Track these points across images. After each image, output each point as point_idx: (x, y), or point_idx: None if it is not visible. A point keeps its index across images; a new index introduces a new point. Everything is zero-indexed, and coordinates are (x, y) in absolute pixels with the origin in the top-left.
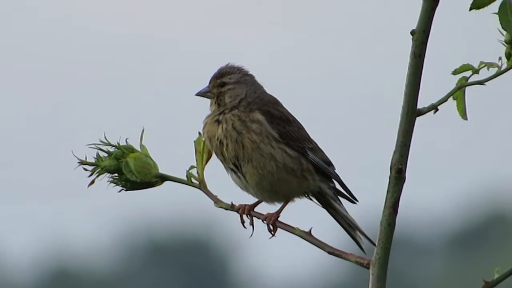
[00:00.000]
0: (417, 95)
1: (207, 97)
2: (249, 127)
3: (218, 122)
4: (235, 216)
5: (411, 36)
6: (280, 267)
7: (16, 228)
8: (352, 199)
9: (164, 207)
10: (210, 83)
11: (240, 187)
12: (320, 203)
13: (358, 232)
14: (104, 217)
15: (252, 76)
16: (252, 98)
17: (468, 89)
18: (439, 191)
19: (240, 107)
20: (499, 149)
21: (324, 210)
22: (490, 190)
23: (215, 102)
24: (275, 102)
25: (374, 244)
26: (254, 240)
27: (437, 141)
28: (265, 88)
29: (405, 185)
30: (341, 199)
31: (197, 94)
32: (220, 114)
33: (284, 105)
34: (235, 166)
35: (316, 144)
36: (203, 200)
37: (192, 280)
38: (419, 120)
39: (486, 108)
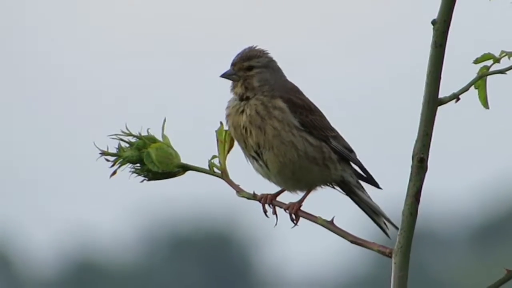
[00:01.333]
0: (439, 84)
1: (233, 80)
2: (271, 113)
3: (243, 112)
4: (258, 209)
5: (432, 26)
6: (303, 259)
7: (40, 222)
8: (376, 185)
9: (187, 200)
10: (234, 65)
11: (262, 175)
12: (344, 191)
13: (382, 218)
14: (127, 210)
15: (276, 62)
16: (277, 84)
17: (489, 78)
18: (462, 184)
19: (264, 92)
20: None
21: (347, 199)
22: None
23: (241, 85)
24: (297, 91)
25: (398, 229)
26: (277, 232)
27: (461, 132)
28: (285, 74)
29: (428, 177)
30: (365, 185)
31: (222, 76)
32: (244, 104)
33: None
34: (256, 154)
35: (338, 132)
36: (226, 193)
37: (214, 273)
38: (441, 109)
39: (508, 97)
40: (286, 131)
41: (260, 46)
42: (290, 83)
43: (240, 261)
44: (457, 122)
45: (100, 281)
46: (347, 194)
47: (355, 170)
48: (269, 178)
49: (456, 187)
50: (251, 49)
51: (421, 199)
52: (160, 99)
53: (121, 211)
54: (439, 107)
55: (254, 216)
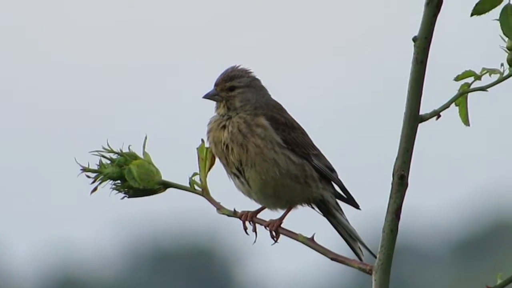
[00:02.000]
0: (419, 101)
1: (215, 100)
2: (254, 131)
3: (224, 127)
4: (239, 223)
5: (413, 43)
6: (284, 274)
7: (21, 236)
8: (355, 205)
9: (169, 215)
10: (217, 85)
11: (243, 193)
12: (322, 212)
13: (358, 243)
14: (109, 226)
15: (259, 80)
16: (260, 103)
17: (470, 96)
18: (444, 199)
19: (247, 110)
20: (503, 156)
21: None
22: (494, 198)
23: (223, 106)
24: (280, 108)
25: (375, 256)
26: (258, 247)
27: (442, 148)
28: (269, 91)
29: (409, 192)
30: (344, 205)
31: (205, 97)
32: (226, 119)
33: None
34: (238, 171)
35: (320, 151)
36: (207, 208)
37: (197, 287)
38: (422, 126)
39: (489, 114)
40: (268, 149)
41: (243, 65)
42: (273, 100)
43: (222, 276)
44: (438, 138)
45: None
46: (324, 215)
47: (335, 190)
48: (250, 196)
49: (437, 202)
50: (233, 69)
51: (401, 215)
52: (142, 116)
53: (103, 226)
54: (420, 124)
55: (236, 232)
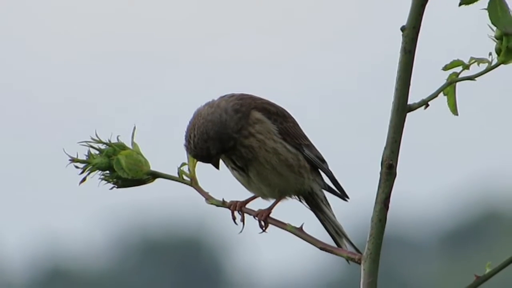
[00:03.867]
0: (408, 91)
1: (215, 166)
2: (253, 127)
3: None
4: (228, 214)
5: (401, 32)
6: (274, 264)
7: (9, 227)
8: (343, 197)
9: (158, 206)
10: (204, 159)
11: (241, 183)
12: (309, 205)
13: (344, 239)
14: (98, 216)
15: (205, 112)
16: (230, 116)
17: (458, 85)
18: (432, 189)
19: (233, 128)
20: (492, 146)
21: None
22: (483, 188)
23: (229, 161)
24: (262, 99)
25: (360, 253)
26: (248, 238)
27: (430, 138)
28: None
29: (398, 182)
30: (332, 197)
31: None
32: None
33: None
34: (235, 165)
35: (311, 142)
36: (196, 198)
37: (186, 278)
38: (411, 116)
39: (477, 104)
40: (268, 139)
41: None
42: (248, 95)
43: (212, 267)
44: (427, 128)
45: None
46: (312, 209)
47: (324, 183)
48: (248, 185)
49: (426, 192)
50: (188, 138)
51: (390, 205)
52: (131, 106)
53: (92, 217)
54: (408, 114)
55: (225, 222)
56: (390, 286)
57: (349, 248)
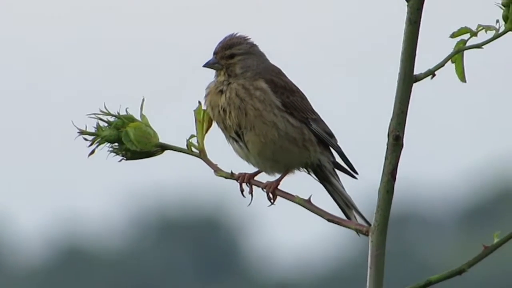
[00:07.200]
0: (414, 61)
1: (216, 69)
2: (253, 95)
3: (222, 92)
4: (245, 194)
5: (406, 3)
6: (289, 244)
7: (26, 207)
8: (352, 174)
9: (175, 185)
10: (216, 54)
11: (241, 157)
12: (318, 177)
13: (353, 211)
14: (115, 195)
15: (258, 46)
16: (260, 68)
17: (466, 53)
18: (450, 167)
19: (246, 77)
20: (508, 121)
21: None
22: (500, 165)
23: (224, 73)
24: (279, 72)
25: (369, 224)
26: (265, 217)
27: (447, 115)
28: (268, 57)
29: (415, 160)
30: (340, 174)
31: (205, 66)
32: (224, 84)
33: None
34: (237, 135)
35: (319, 116)
36: (214, 177)
37: (203, 256)
38: (417, 87)
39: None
40: (267, 111)
41: (241, 32)
42: (273, 65)
43: (229, 245)
44: (441, 103)
45: (89, 267)
46: (320, 181)
47: (333, 157)
48: (248, 159)
49: (444, 170)
50: (232, 37)
51: (408, 181)
52: (140, 78)
53: (109, 196)
54: (414, 84)
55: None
56: (409, 265)
57: (359, 219)
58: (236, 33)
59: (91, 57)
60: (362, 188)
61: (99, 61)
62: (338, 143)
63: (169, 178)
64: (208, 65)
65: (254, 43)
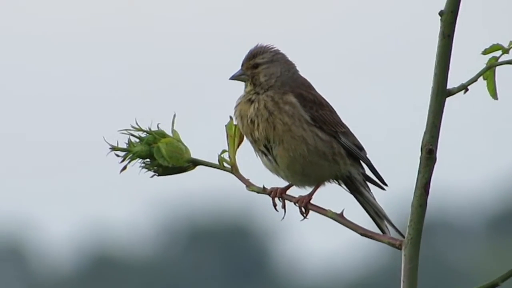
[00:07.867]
0: (447, 75)
1: (242, 80)
2: (282, 109)
3: (251, 101)
4: (271, 201)
5: (439, 17)
6: (319, 252)
7: (57, 216)
8: (382, 185)
9: (204, 193)
10: (243, 65)
11: (270, 170)
12: (349, 189)
13: (385, 222)
14: (144, 204)
15: (283, 55)
16: (286, 77)
17: (497, 69)
18: (478, 173)
19: (275, 87)
20: None
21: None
22: None
23: (250, 83)
24: (308, 86)
25: (402, 235)
26: (294, 225)
27: (473, 123)
28: (296, 66)
29: (444, 167)
30: (370, 186)
31: (232, 78)
32: (254, 94)
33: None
34: (265, 148)
35: (348, 129)
36: (242, 186)
37: (232, 264)
38: (452, 100)
39: None
40: (296, 126)
41: (266, 42)
42: (301, 77)
43: (258, 253)
44: (470, 113)
45: (118, 275)
46: (351, 193)
47: (362, 169)
48: (277, 173)
49: (472, 177)
50: (256, 47)
51: (436, 189)
52: (171, 94)
53: (139, 205)
54: (447, 98)
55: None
56: (438, 272)
57: (391, 229)
58: (261, 43)
59: (123, 73)
60: (390, 199)
61: (131, 77)
62: (367, 155)
63: (198, 186)
64: (234, 77)
65: (279, 51)
